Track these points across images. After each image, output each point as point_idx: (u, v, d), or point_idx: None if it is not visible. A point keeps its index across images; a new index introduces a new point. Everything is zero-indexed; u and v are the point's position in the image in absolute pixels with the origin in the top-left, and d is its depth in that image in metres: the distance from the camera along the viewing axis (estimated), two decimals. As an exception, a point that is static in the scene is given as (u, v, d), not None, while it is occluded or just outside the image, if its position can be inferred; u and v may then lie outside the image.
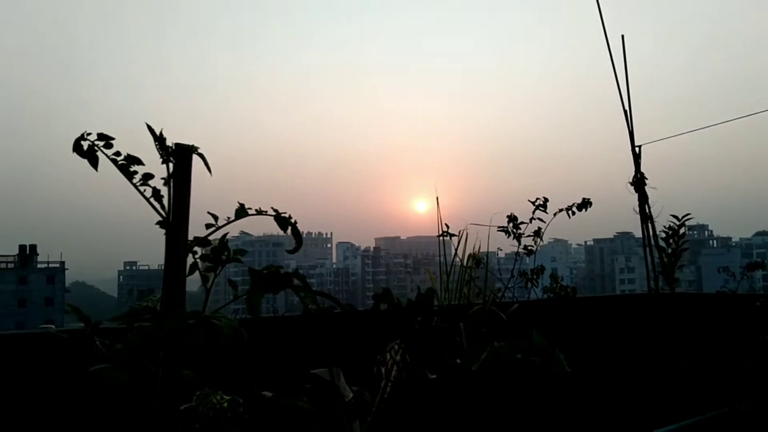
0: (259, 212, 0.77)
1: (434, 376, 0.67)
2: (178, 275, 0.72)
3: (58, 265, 72.31)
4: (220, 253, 0.84)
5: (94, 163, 0.74)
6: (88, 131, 0.73)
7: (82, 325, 1.09)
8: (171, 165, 0.75)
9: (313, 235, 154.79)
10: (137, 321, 0.67)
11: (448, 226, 4.72)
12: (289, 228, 0.78)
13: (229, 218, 0.78)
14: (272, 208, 0.77)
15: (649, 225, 5.52)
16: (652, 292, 5.60)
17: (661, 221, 5.62)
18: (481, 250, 4.61)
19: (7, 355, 2.08)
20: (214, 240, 0.83)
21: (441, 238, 4.65)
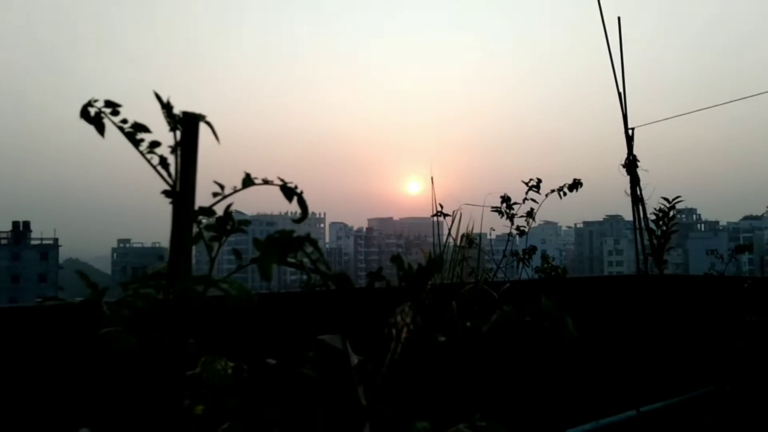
0: (266, 182, 0.77)
1: (443, 339, 0.68)
2: (184, 244, 0.73)
3: (51, 242, 71.88)
4: (224, 223, 0.84)
5: (100, 129, 0.74)
6: (95, 98, 0.73)
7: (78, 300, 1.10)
8: (178, 133, 0.75)
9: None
10: (146, 286, 0.68)
11: (442, 206, 4.74)
12: (295, 198, 0.79)
13: (235, 187, 0.78)
14: (279, 177, 0.77)
15: (640, 207, 5.57)
16: (641, 274, 5.66)
17: (652, 204, 5.66)
18: (474, 231, 4.65)
19: (19, 326, 2.18)
20: (217, 210, 0.84)
21: (435, 218, 4.67)
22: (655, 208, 5.66)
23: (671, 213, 5.61)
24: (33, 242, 71.92)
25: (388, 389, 0.68)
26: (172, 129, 0.73)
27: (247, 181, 0.77)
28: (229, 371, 0.79)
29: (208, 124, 0.73)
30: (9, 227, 71.92)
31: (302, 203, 0.78)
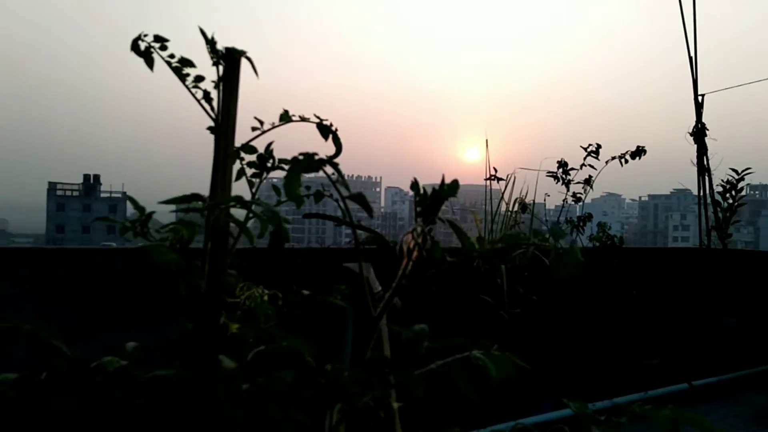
0: (303, 119, 0.80)
1: (452, 259, 0.70)
2: (225, 175, 0.77)
3: (120, 195, 75.38)
4: (265, 160, 0.88)
5: (149, 63, 0.78)
6: (145, 33, 0.77)
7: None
8: (221, 69, 0.78)
9: (363, 179, 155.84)
10: (188, 206, 0.72)
11: (496, 170, 4.67)
12: (330, 136, 0.81)
13: (273, 123, 0.82)
14: (315, 114, 0.80)
15: (706, 178, 5.33)
16: (704, 247, 5.46)
17: (719, 175, 5.41)
18: (529, 197, 4.57)
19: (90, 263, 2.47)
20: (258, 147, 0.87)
21: (488, 182, 4.62)
22: (722, 180, 5.42)
23: (739, 185, 5.36)
24: (102, 195, 75.44)
25: (402, 312, 0.71)
26: (215, 64, 0.77)
27: (285, 117, 0.80)
28: (266, 297, 0.83)
29: (249, 59, 0.76)
30: (80, 180, 75.55)
31: (336, 140, 0.80)
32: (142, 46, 0.76)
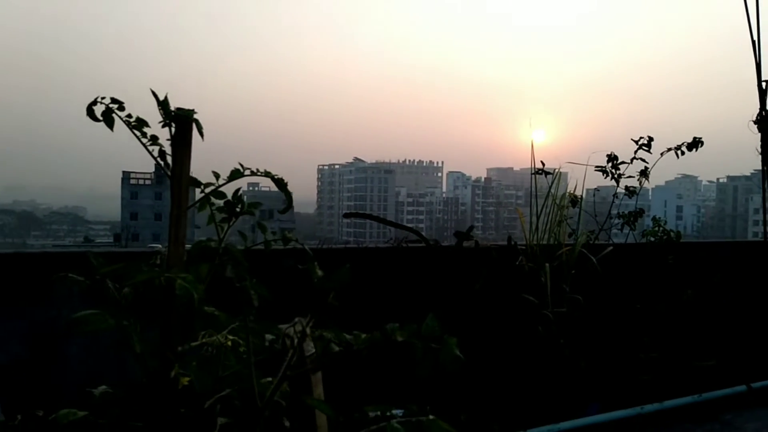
0: (254, 173, 0.82)
1: (339, 348, 0.70)
2: (178, 233, 0.80)
3: (190, 183, 78.62)
4: (233, 206, 0.90)
5: (110, 124, 0.82)
6: (102, 96, 0.80)
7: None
8: (173, 128, 0.81)
9: (424, 164, 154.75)
10: (133, 273, 0.76)
11: (543, 164, 4.55)
12: (280, 187, 0.83)
13: (225, 179, 0.84)
14: (266, 170, 0.81)
15: (772, 168, 5.01)
16: (768, 241, 5.15)
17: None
18: (588, 188, 4.44)
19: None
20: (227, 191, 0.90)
21: (535, 176, 4.50)
22: (790, 170, 5.08)
23: (808, 175, 5.01)
24: (174, 183, 78.64)
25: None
26: (166, 125, 0.79)
27: (236, 173, 0.82)
28: (228, 344, 0.86)
29: (197, 122, 0.77)
30: (152, 169, 79.12)
31: (288, 195, 0.82)
32: (101, 108, 0.80)
